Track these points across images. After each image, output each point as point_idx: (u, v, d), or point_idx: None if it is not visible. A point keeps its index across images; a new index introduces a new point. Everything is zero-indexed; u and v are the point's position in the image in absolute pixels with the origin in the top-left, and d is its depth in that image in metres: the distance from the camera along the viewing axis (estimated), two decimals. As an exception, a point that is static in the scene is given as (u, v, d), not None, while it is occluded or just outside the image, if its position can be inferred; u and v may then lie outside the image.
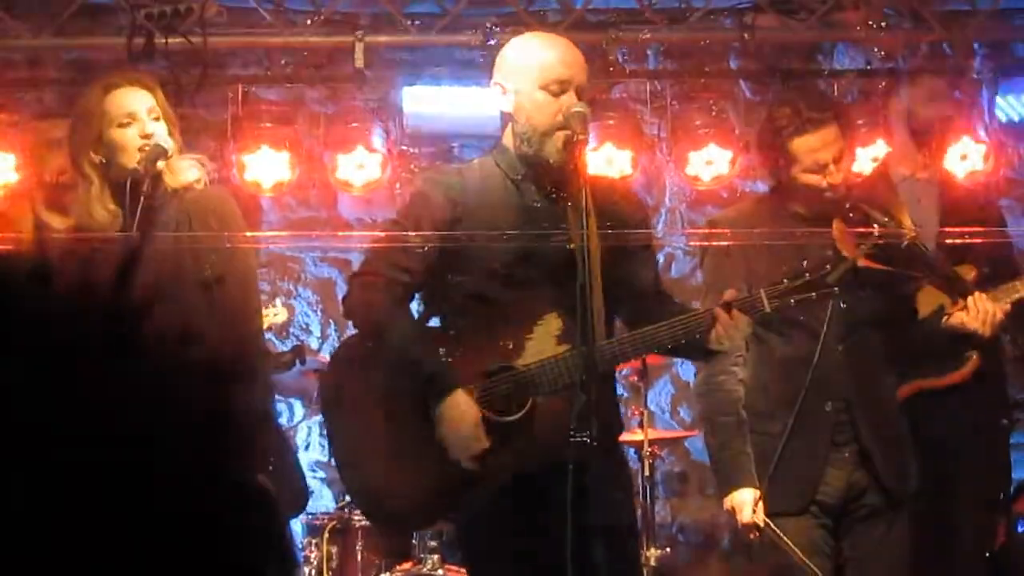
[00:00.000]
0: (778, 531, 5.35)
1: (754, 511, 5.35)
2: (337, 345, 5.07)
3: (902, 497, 5.48)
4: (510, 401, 4.47)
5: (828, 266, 4.70)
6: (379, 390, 4.62)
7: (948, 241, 5.85)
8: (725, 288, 5.40)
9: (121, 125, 5.01)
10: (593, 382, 4.16)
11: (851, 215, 5.36)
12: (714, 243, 5.60)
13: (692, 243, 8.13)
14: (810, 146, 5.34)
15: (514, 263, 4.50)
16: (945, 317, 5.48)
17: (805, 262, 4.74)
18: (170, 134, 5.08)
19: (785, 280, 4.67)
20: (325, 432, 4.83)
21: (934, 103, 6.46)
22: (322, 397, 4.82)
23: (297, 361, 4.95)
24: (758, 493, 5.36)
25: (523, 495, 4.27)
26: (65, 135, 5.88)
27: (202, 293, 5.09)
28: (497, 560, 4.65)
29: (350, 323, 4.89)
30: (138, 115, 5.04)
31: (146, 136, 5.00)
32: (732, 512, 5.45)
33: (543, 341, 4.47)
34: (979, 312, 5.37)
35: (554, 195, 4.53)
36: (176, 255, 5.00)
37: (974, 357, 5.91)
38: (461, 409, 4.39)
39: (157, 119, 5.07)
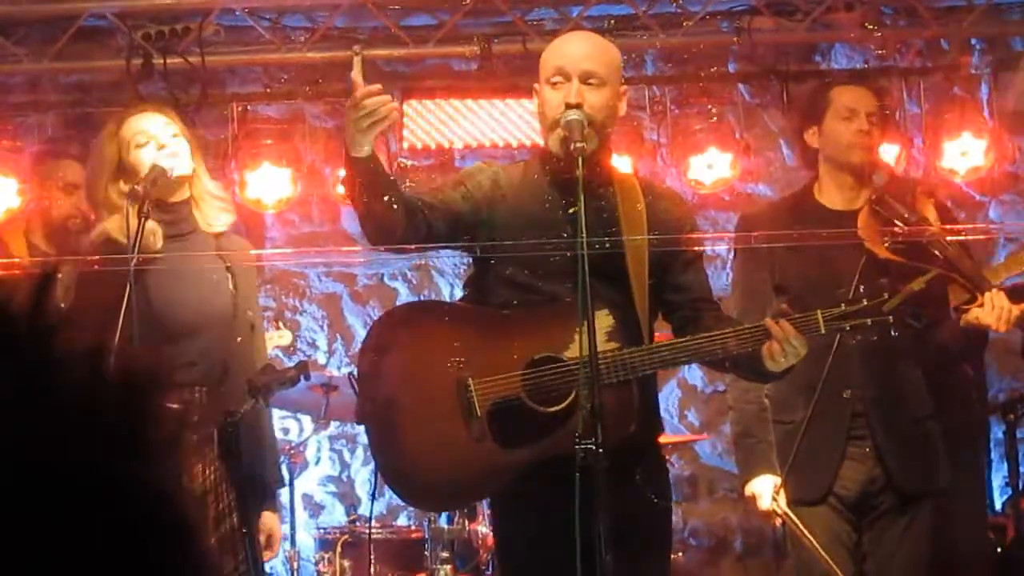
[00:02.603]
0: (796, 520, 5.38)
1: (774, 499, 5.37)
2: (369, 327, 5.00)
3: (922, 495, 5.49)
4: (553, 392, 4.47)
5: (886, 294, 4.70)
6: (413, 368, 4.62)
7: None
8: (753, 286, 5.45)
9: (138, 146, 5.03)
10: (598, 390, 4.14)
11: (877, 209, 5.42)
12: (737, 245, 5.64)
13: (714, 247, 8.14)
14: (846, 95, 5.64)
15: (564, 258, 4.49)
16: (961, 314, 5.48)
17: (863, 287, 4.77)
18: (192, 156, 5.11)
19: (843, 304, 4.69)
20: (357, 408, 4.76)
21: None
22: (357, 374, 4.79)
23: (302, 377, 4.94)
24: (778, 481, 5.39)
25: (557, 486, 4.24)
26: (78, 177, 5.96)
27: (250, 332, 5.21)
28: (524, 548, 4.64)
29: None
30: (152, 133, 5.06)
31: (162, 147, 5.02)
32: (752, 500, 5.47)
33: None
34: (995, 308, 5.36)
35: (590, 194, 4.46)
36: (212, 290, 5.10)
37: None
38: None
39: (176, 136, 5.10)
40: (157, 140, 5.04)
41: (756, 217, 5.87)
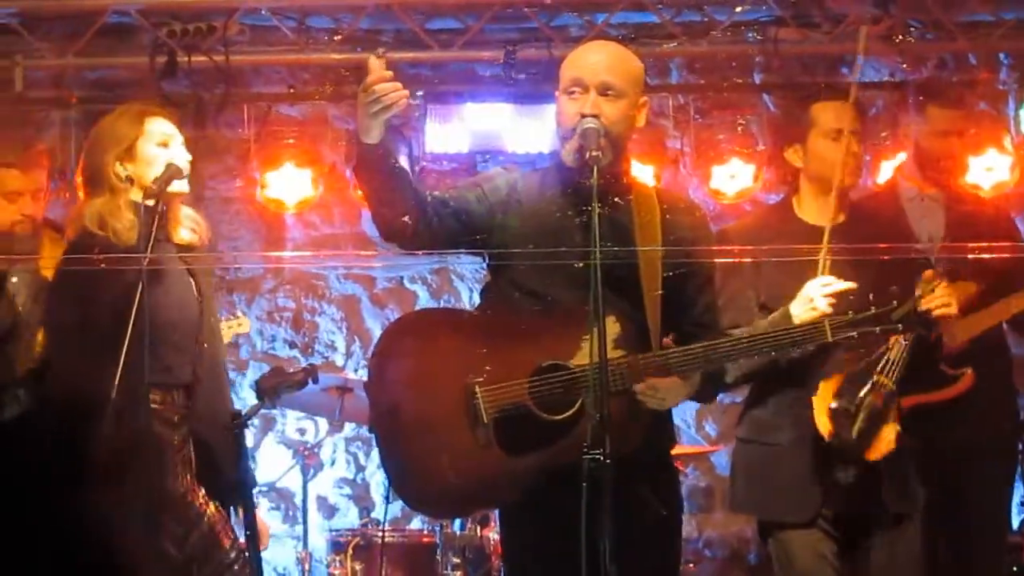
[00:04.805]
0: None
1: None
2: (383, 330, 4.98)
3: (907, 513, 5.44)
4: (559, 400, 4.44)
5: (895, 302, 4.68)
6: (421, 375, 4.59)
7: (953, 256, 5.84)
8: (736, 300, 5.40)
9: (161, 144, 5.11)
10: (606, 399, 4.10)
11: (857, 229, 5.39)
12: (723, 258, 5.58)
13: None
14: (829, 113, 5.57)
15: (574, 267, 4.45)
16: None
17: (872, 295, 4.73)
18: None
19: (851, 312, 4.65)
20: (369, 411, 4.75)
21: (941, 138, 6.46)
22: (369, 375, 4.79)
23: (309, 380, 4.94)
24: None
25: (564, 495, 4.21)
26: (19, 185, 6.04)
27: (213, 336, 5.29)
28: (530, 557, 4.62)
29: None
30: (173, 140, 5.16)
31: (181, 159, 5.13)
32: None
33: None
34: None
35: (603, 203, 4.43)
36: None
37: (968, 373, 5.89)
38: None
39: (187, 153, 5.21)
40: (175, 151, 5.13)
41: (736, 231, 5.81)
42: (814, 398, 5.25)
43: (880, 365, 5.21)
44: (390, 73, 4.26)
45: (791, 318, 5.06)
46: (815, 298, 5.04)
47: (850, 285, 4.98)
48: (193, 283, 5.20)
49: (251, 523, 5.13)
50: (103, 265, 4.81)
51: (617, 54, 4.69)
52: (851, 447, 5.20)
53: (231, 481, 5.19)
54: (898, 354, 5.19)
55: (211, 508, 5.08)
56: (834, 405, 5.22)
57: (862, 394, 5.20)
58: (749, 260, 5.43)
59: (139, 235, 4.86)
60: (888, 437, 5.24)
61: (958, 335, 5.89)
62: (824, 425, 5.21)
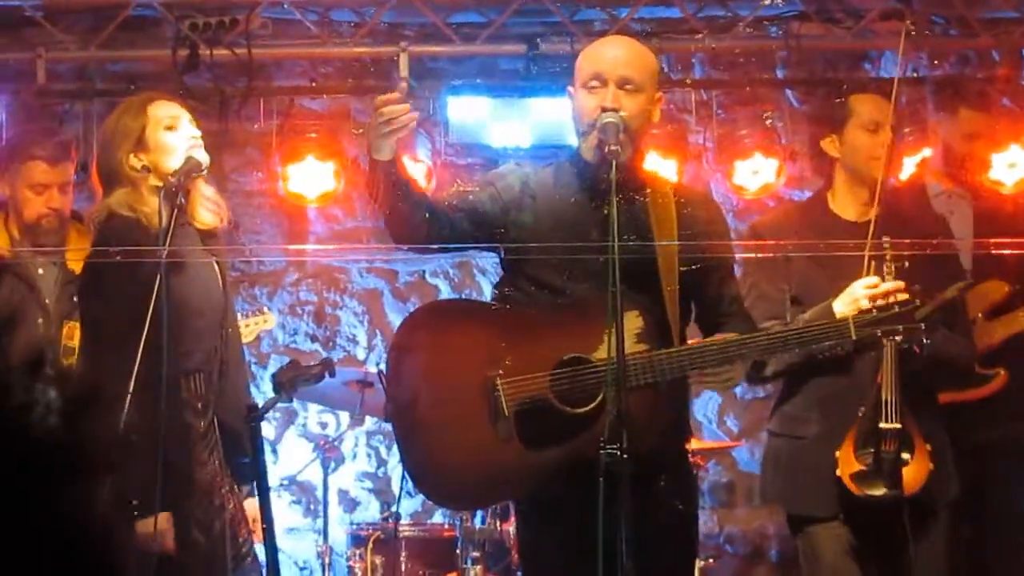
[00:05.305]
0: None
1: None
2: (402, 321, 5.01)
3: (935, 507, 5.43)
4: (580, 394, 4.44)
5: (917, 301, 4.66)
6: (440, 368, 4.61)
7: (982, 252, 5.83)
8: (767, 288, 5.40)
9: (168, 128, 5.11)
10: (625, 393, 4.10)
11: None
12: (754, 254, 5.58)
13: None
14: (868, 105, 5.56)
15: (592, 261, 4.46)
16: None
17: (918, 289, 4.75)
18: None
19: (875, 310, 4.63)
20: (385, 407, 4.77)
21: (971, 140, 6.45)
22: (387, 368, 4.81)
23: (326, 374, 4.96)
24: None
25: (581, 490, 4.21)
26: (45, 178, 6.06)
27: (236, 324, 5.40)
28: (547, 551, 4.65)
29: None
30: (181, 121, 5.16)
31: (195, 138, 5.12)
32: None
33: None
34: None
35: (621, 197, 4.43)
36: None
37: (1001, 373, 5.87)
38: None
39: (196, 127, 5.20)
40: (186, 131, 5.13)
41: (768, 225, 5.80)
42: (839, 456, 5.27)
43: (881, 412, 5.18)
44: (397, 94, 4.32)
45: (833, 315, 5.05)
46: (859, 298, 5.03)
47: (898, 284, 4.96)
48: (218, 271, 5.23)
49: (268, 516, 5.14)
50: (119, 258, 4.83)
51: (635, 49, 4.72)
52: (884, 498, 5.20)
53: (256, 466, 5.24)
54: (889, 392, 5.16)
55: (234, 499, 5.12)
56: (853, 472, 5.24)
57: (875, 450, 5.20)
58: (779, 255, 5.44)
59: (160, 228, 4.87)
60: (918, 473, 5.25)
61: (994, 334, 5.88)
62: (854, 488, 5.23)
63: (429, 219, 4.50)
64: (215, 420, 5.10)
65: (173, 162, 5.05)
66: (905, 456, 5.20)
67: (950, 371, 5.69)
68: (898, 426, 5.15)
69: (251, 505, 5.28)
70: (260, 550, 5.09)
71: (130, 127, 5.11)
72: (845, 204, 5.58)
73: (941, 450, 5.41)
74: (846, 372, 5.33)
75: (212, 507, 5.04)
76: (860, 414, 5.24)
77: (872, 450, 5.17)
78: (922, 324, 4.70)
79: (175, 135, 5.10)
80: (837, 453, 5.25)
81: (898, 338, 4.83)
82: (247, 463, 5.18)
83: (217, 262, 5.25)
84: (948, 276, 5.26)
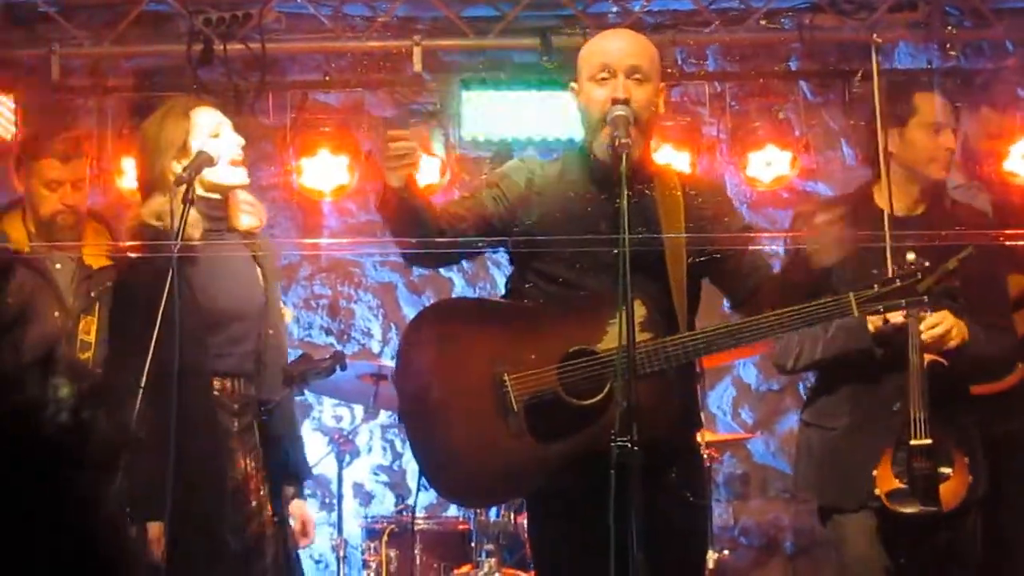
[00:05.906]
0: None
1: None
2: (411, 319, 5.06)
3: (968, 507, 5.41)
4: (587, 385, 4.45)
5: (919, 274, 4.61)
6: (449, 365, 4.63)
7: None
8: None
9: (212, 135, 5.12)
10: (634, 384, 4.10)
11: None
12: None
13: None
14: (932, 105, 5.57)
15: (599, 252, 4.47)
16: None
17: (896, 268, 4.70)
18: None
19: (876, 285, 4.62)
20: (399, 401, 4.79)
21: (993, 139, 6.44)
22: (396, 367, 4.84)
23: (337, 367, 4.97)
24: None
25: (592, 483, 4.21)
26: (60, 175, 6.07)
27: (280, 324, 5.39)
28: (558, 544, 4.65)
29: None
30: (224, 128, 5.18)
31: (237, 161, 5.17)
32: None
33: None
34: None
35: (631, 190, 4.43)
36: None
37: (1021, 366, 5.86)
38: None
39: (242, 146, 5.25)
40: (229, 139, 5.16)
41: (811, 215, 5.78)
42: (876, 475, 5.28)
43: (910, 429, 5.19)
44: (404, 131, 4.47)
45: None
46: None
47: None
48: (260, 272, 5.25)
49: (282, 514, 5.17)
50: (131, 254, 4.85)
51: (639, 39, 4.79)
52: (919, 515, 5.20)
53: (294, 469, 5.27)
54: (916, 410, 5.16)
55: (269, 504, 5.11)
56: (890, 490, 5.26)
57: (907, 467, 5.20)
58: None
59: (172, 227, 4.85)
60: (958, 488, 5.25)
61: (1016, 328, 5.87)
62: (889, 506, 5.26)
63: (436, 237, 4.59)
64: (255, 422, 5.10)
65: (218, 171, 5.07)
66: (946, 470, 5.21)
67: (989, 368, 5.71)
68: (928, 441, 5.15)
69: (298, 506, 5.30)
70: (304, 553, 5.10)
71: (174, 134, 5.09)
72: (894, 198, 5.53)
73: (974, 452, 5.41)
74: (877, 364, 5.32)
75: (247, 509, 5.04)
76: (895, 409, 5.26)
77: (906, 468, 5.19)
78: (925, 297, 4.66)
79: (219, 142, 5.11)
80: (875, 472, 5.27)
81: (901, 314, 4.86)
82: (290, 463, 5.21)
83: (261, 264, 5.26)
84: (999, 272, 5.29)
